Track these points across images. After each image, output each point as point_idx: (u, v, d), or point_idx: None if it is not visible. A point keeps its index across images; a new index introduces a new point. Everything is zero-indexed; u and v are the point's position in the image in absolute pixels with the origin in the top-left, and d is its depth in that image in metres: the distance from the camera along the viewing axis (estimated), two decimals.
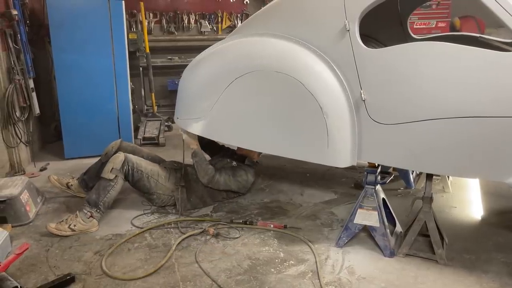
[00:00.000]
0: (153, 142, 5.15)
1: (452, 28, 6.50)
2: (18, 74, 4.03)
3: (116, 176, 3.08)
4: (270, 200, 3.58)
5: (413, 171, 3.83)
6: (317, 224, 3.16)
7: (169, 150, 4.97)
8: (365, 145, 2.61)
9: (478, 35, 3.32)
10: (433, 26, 6.40)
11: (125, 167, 3.11)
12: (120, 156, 3.13)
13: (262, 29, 2.89)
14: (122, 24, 4.49)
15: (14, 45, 4.02)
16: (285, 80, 2.66)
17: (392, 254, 2.71)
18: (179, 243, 2.84)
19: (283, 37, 2.76)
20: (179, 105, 3.28)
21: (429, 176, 2.67)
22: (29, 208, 3.20)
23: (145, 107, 6.02)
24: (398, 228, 2.94)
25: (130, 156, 3.19)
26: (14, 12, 3.90)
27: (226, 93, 2.86)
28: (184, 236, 2.91)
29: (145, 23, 5.65)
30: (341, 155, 2.63)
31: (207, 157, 3.59)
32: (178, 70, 6.29)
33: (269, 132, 2.79)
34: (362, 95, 2.55)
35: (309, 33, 2.69)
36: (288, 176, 4.08)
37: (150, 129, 5.38)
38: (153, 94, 5.73)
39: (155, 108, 5.83)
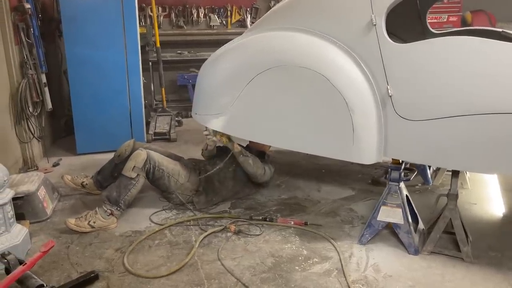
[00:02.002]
0: (164, 137, 5.10)
1: (464, 22, 6.44)
2: (31, 69, 3.98)
3: (138, 174, 3.03)
4: (288, 196, 3.54)
5: (430, 167, 3.80)
6: (338, 221, 3.13)
7: (180, 145, 4.93)
8: (391, 142, 2.57)
9: (500, 29, 3.27)
10: (445, 20, 6.33)
11: (147, 166, 3.06)
12: (143, 154, 3.07)
13: (284, 23, 2.84)
14: (134, 17, 4.43)
15: (27, 39, 3.97)
16: (310, 75, 2.61)
17: (416, 252, 2.68)
18: (201, 240, 2.82)
19: (307, 31, 2.71)
20: (197, 101, 3.23)
21: (455, 173, 2.63)
22: (46, 205, 3.17)
23: (154, 102, 5.96)
24: (421, 225, 2.91)
25: (153, 154, 3.14)
26: (27, 5, 3.84)
27: (248, 89, 2.81)
28: (206, 233, 2.87)
29: (155, 16, 5.58)
30: (366, 151, 2.59)
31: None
32: (188, 64, 6.26)
33: (293, 128, 2.74)
34: (389, 91, 2.51)
35: (334, 28, 2.65)
36: (303, 173, 4.04)
37: (161, 124, 5.33)
38: (163, 89, 5.68)
39: (165, 103, 5.78)
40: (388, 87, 2.51)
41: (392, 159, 2.73)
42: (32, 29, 3.96)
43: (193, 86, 6.06)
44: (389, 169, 2.74)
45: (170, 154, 3.50)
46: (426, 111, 2.44)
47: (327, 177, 3.93)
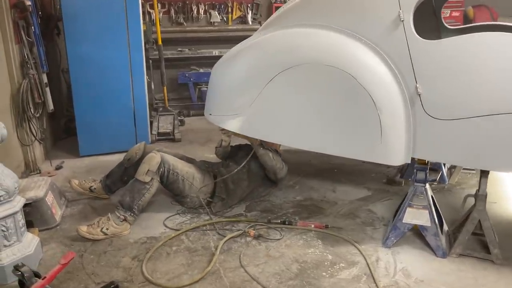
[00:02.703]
0: (168, 137, 4.96)
1: (466, 17, 6.40)
2: (32, 69, 3.81)
3: (152, 178, 2.90)
4: (303, 198, 3.45)
5: (445, 165, 3.73)
6: (358, 223, 3.05)
7: (185, 145, 4.80)
8: (420, 142, 2.48)
9: None
10: (447, 15, 6.27)
11: (161, 169, 2.94)
12: (157, 157, 2.95)
13: (305, 20, 2.72)
14: (138, 13, 4.26)
15: (27, 37, 3.80)
16: (335, 74, 2.51)
17: (444, 255, 2.61)
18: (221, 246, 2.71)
19: (330, 28, 2.60)
20: (212, 101, 3.11)
21: (485, 173, 2.56)
22: (55, 211, 3.03)
23: (155, 101, 5.80)
24: (445, 226, 2.84)
25: (167, 157, 3.01)
26: (28, 2, 3.67)
27: (268, 88, 2.70)
28: (225, 239, 2.76)
29: (157, 13, 5.43)
30: (394, 152, 2.50)
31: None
32: (188, 62, 6.12)
33: (317, 129, 2.63)
34: (418, 89, 2.42)
35: (360, 24, 2.54)
36: (316, 172, 3.95)
37: (164, 124, 5.18)
38: (165, 88, 5.53)
39: (167, 102, 5.63)
40: (417, 85, 2.42)
41: (418, 159, 2.65)
42: (33, 27, 3.79)
43: (194, 84, 5.99)
44: (415, 170, 2.66)
45: (182, 156, 3.37)
46: (456, 110, 2.36)
47: (341, 177, 3.85)
